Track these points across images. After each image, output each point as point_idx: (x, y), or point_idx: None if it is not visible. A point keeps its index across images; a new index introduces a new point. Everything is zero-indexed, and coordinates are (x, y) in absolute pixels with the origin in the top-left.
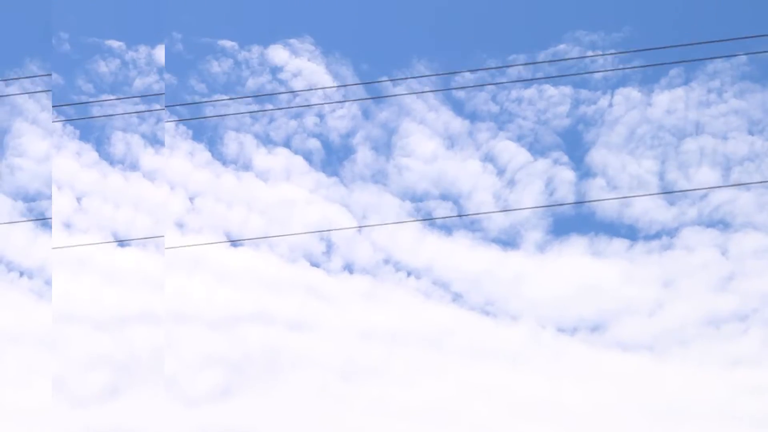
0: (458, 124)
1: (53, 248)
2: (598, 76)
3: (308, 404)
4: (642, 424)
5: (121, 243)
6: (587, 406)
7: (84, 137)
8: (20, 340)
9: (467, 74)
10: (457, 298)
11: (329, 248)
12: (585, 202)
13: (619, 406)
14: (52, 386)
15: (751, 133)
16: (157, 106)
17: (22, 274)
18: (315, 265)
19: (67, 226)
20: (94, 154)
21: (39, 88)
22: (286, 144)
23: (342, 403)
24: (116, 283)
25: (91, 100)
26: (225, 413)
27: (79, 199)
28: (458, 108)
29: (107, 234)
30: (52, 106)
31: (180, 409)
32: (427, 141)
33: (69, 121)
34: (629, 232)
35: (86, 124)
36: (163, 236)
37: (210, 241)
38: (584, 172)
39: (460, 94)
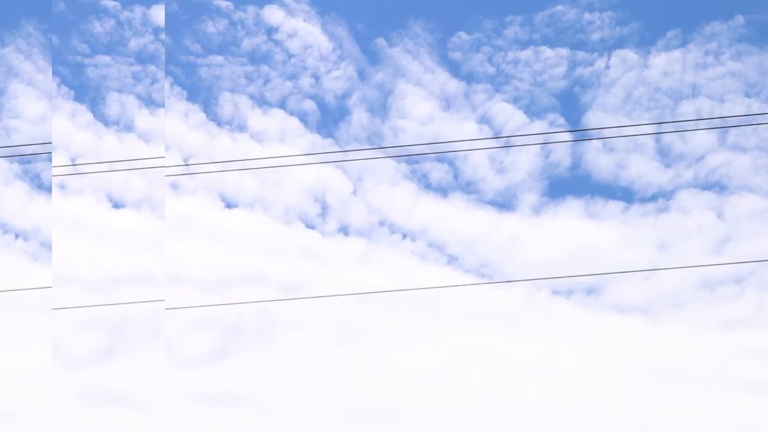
0: (454, 85)
1: (52, 209)
2: (595, 37)
3: (303, 367)
4: (636, 386)
5: (117, 205)
6: (582, 369)
7: (79, 98)
8: (16, 302)
9: (464, 35)
10: (452, 260)
11: (324, 210)
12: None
13: (614, 368)
14: (49, 349)
15: (747, 95)
16: (154, 68)
17: (17, 236)
18: (310, 227)
19: (62, 187)
20: (89, 115)
21: (35, 49)
22: (282, 105)
23: (336, 365)
24: (113, 245)
25: (86, 60)
26: (220, 375)
27: (73, 160)
28: (454, 69)
29: (102, 195)
30: (49, 67)
31: (175, 371)
32: (423, 102)
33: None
34: (625, 195)
35: (81, 85)
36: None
37: (205, 203)
38: (580, 135)
39: (457, 55)
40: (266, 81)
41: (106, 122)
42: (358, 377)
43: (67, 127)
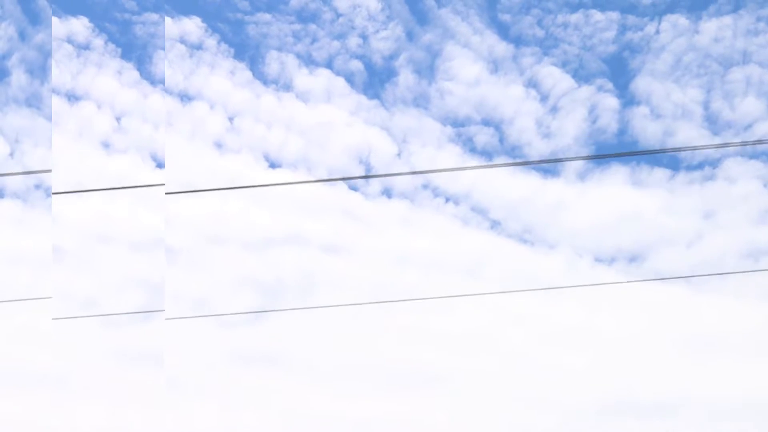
0: (502, 48)
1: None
2: (646, 1)
3: (342, 328)
4: (677, 354)
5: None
6: (622, 336)
7: (126, 56)
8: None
9: None
10: (495, 225)
11: (368, 172)
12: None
13: (655, 336)
14: (84, 303)
15: None
16: (199, 21)
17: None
18: (353, 188)
19: (106, 145)
20: (136, 74)
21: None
22: (328, 65)
23: (376, 328)
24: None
25: (134, 18)
26: (259, 335)
27: (118, 119)
28: (503, 32)
29: (145, 153)
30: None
31: (214, 330)
32: (471, 65)
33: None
34: (671, 162)
35: (128, 43)
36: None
37: (249, 161)
38: (628, 100)
39: (506, 17)
40: (314, 40)
41: (152, 81)
42: (398, 339)
43: (112, 84)
